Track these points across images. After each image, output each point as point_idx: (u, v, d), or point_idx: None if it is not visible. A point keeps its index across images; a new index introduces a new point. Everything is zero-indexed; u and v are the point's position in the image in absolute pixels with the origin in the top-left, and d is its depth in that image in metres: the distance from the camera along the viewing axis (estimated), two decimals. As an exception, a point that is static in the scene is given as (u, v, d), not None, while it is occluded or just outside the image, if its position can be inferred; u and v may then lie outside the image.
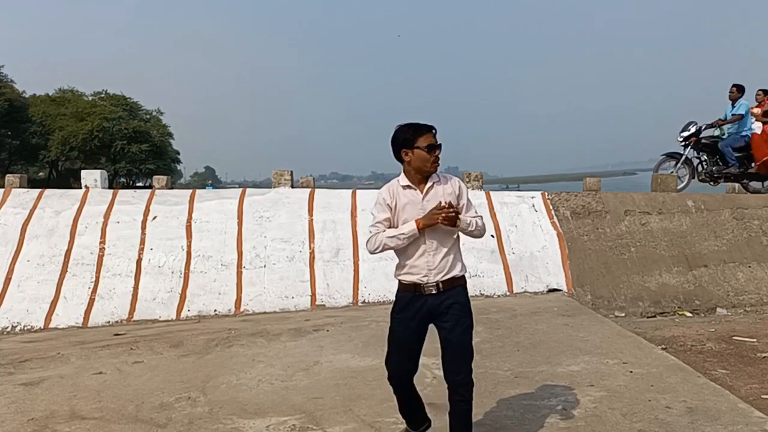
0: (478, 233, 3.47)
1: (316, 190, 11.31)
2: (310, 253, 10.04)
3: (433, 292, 3.41)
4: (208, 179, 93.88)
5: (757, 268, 10.27)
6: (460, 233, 3.49)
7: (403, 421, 3.94)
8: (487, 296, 9.52)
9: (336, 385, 5.19)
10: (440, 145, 3.41)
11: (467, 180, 11.69)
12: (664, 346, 6.62)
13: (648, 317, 9.15)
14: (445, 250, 3.40)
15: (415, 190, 3.44)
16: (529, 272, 9.92)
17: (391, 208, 3.44)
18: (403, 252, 3.45)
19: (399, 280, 3.52)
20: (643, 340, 6.42)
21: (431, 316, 3.48)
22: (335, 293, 9.54)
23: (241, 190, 11.47)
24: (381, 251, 3.45)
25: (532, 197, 11.23)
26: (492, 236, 10.39)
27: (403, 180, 3.48)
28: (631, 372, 5.21)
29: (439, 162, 3.42)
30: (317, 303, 9.42)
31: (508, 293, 9.61)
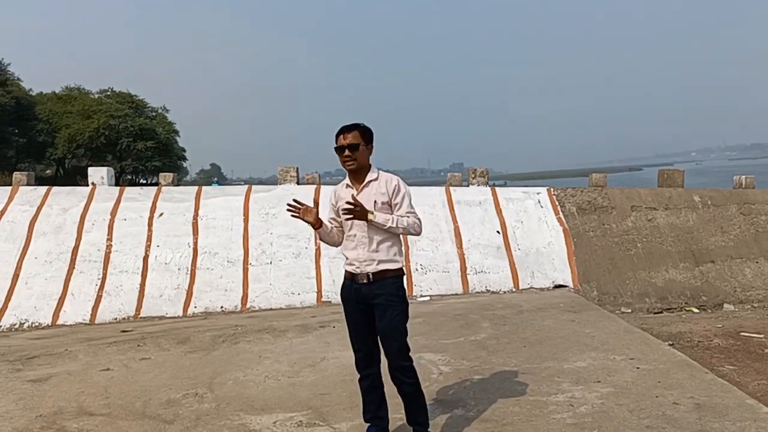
0: (403, 231, 3.62)
1: (322, 186, 11.33)
2: (316, 249, 10.05)
3: (365, 281, 3.63)
4: (213, 176, 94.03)
5: (764, 263, 10.23)
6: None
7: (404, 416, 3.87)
8: (493, 292, 9.51)
9: (342, 381, 5.19)
10: (354, 144, 3.60)
11: (473, 176, 11.68)
12: (671, 342, 6.60)
13: (655, 313, 9.13)
14: (378, 243, 3.61)
15: (352, 188, 3.70)
16: (535, 268, 9.90)
17: (333, 206, 3.80)
18: (344, 245, 3.77)
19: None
20: (650, 336, 6.40)
21: (366, 303, 3.66)
22: (341, 290, 9.55)
23: (246, 186, 11.50)
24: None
25: (538, 193, 11.21)
26: (498, 232, 10.38)
27: (347, 179, 3.77)
28: (638, 368, 5.19)
29: (353, 161, 3.62)
30: (323, 299, 9.44)
31: (514, 289, 9.61)
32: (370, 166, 3.72)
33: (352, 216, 3.55)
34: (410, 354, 3.64)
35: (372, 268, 3.60)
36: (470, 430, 4.04)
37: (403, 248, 3.80)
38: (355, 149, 3.61)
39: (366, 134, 3.66)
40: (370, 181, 3.67)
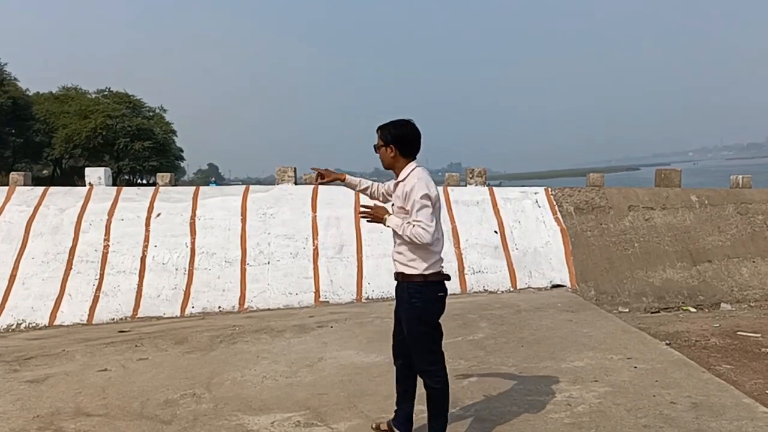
0: (407, 238, 3.41)
1: (320, 186, 11.33)
2: (314, 249, 10.05)
3: (397, 280, 3.66)
4: (211, 176, 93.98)
5: (761, 263, 10.25)
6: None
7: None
8: (490, 292, 9.52)
9: (340, 382, 5.20)
10: (377, 145, 3.65)
11: (470, 176, 11.68)
12: (668, 342, 6.61)
13: (652, 312, 9.14)
14: (397, 245, 3.59)
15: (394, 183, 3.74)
16: (532, 268, 9.91)
17: None
18: None
19: None
20: (648, 336, 6.42)
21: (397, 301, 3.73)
22: (339, 289, 9.55)
23: (244, 187, 11.48)
24: None
25: (536, 193, 11.22)
26: (495, 232, 10.39)
27: None
28: (635, 367, 5.20)
29: (381, 160, 3.67)
30: (321, 299, 9.44)
31: (511, 289, 9.61)
32: (403, 165, 3.59)
33: (369, 219, 3.61)
34: (437, 359, 3.57)
35: (397, 268, 3.60)
36: (468, 429, 4.05)
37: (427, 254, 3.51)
38: (377, 150, 3.67)
39: (385, 136, 3.59)
40: (399, 182, 3.57)
